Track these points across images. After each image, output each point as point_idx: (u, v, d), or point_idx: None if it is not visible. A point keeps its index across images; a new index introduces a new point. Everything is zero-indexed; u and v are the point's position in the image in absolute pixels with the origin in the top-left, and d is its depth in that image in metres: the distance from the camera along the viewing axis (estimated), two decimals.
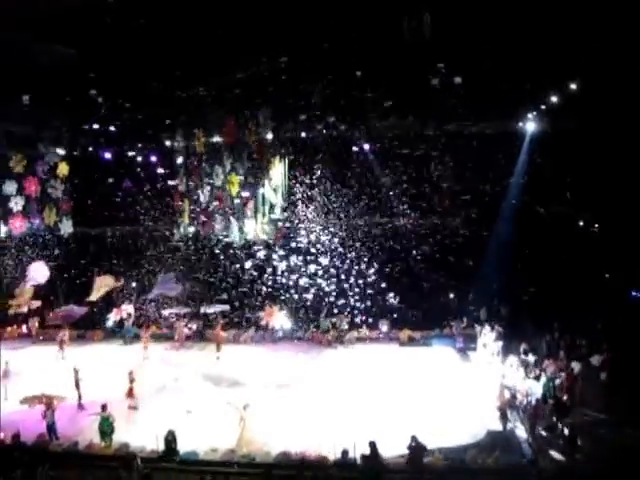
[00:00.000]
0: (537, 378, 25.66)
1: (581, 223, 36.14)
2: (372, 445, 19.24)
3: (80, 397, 26.93)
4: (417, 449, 19.97)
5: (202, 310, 37.46)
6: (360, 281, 38.05)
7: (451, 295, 37.64)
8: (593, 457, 20.60)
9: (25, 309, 37.20)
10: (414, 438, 20.02)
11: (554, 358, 27.49)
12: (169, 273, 38.08)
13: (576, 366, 26.45)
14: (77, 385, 27.08)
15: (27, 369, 31.48)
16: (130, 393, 26.65)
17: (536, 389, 24.56)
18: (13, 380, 28.78)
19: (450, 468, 20.09)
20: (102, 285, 36.78)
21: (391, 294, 37.55)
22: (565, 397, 24.04)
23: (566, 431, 21.51)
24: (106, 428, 22.57)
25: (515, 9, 22.08)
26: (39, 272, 35.98)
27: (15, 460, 20.07)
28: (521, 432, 22.74)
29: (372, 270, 38.03)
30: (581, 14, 22.21)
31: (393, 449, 20.54)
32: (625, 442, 21.42)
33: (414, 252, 39.00)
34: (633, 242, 31.14)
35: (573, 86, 27.80)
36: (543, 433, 22.40)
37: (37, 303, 37.98)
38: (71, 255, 42.89)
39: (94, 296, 36.29)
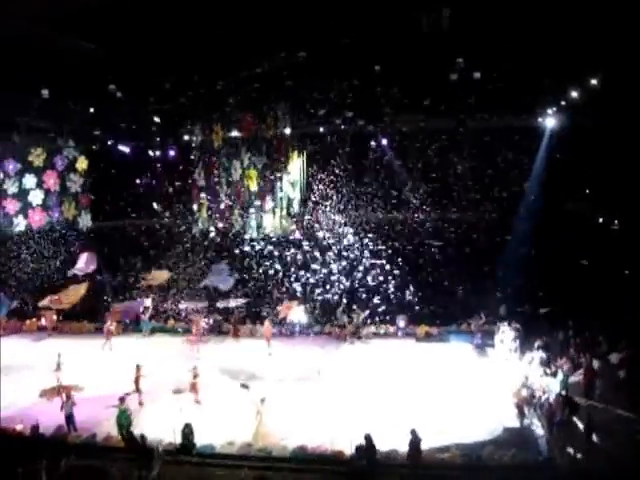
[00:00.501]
0: (554, 374, 25.54)
1: (601, 220, 35.86)
2: (367, 438, 19.26)
3: (140, 393, 26.51)
4: (417, 443, 19.93)
5: (219, 304, 37.47)
6: (377, 276, 37.99)
7: (469, 291, 37.42)
8: (610, 454, 20.48)
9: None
10: (414, 432, 19.98)
11: (569, 355, 27.35)
12: (221, 263, 37.93)
13: (595, 364, 26.36)
14: (137, 382, 26.65)
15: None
16: (194, 387, 26.47)
17: (553, 386, 24.43)
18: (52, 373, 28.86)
19: (466, 464, 20.07)
20: (156, 278, 37.13)
21: (409, 289, 37.43)
22: (580, 394, 23.93)
23: (581, 426, 21.42)
24: (123, 421, 22.68)
25: (535, 3, 21.93)
26: (88, 262, 36.40)
27: (37, 451, 20.22)
28: (538, 429, 22.64)
29: (389, 265, 37.93)
30: (602, 8, 22.03)
31: (408, 445, 20.50)
32: None
33: (432, 248, 38.90)
34: None
35: (594, 81, 27.58)
36: (559, 430, 22.26)
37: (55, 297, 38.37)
38: (89, 248, 43.11)
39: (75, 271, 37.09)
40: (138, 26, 22.80)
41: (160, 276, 37.91)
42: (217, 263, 37.75)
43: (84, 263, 36.76)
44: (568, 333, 30.74)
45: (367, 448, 19.22)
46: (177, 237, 42.12)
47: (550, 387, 24.38)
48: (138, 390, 26.43)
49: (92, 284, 37.63)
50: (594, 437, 21.04)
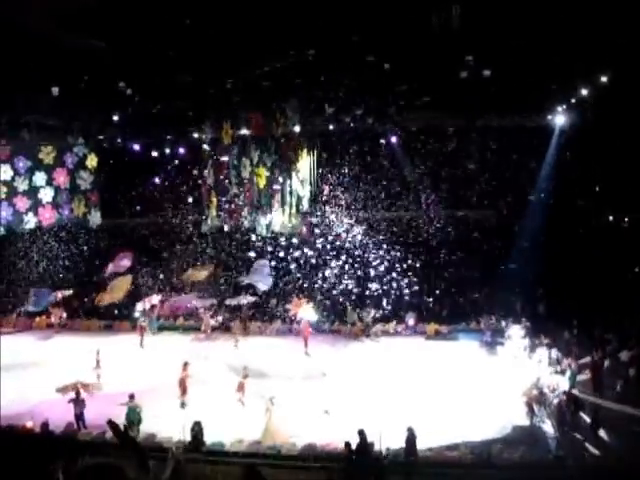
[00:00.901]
0: (563, 372, 25.52)
1: (611, 218, 35.81)
2: (361, 433, 19.30)
3: (185, 393, 26.39)
4: (413, 441, 19.93)
5: (228, 302, 37.54)
6: (387, 274, 37.98)
7: (480, 289, 37.38)
8: (619, 452, 20.48)
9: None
10: (410, 429, 19.98)
11: (576, 353, 27.31)
12: (263, 260, 37.89)
13: (605, 362, 26.44)
14: (183, 381, 26.58)
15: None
16: (241, 387, 26.36)
17: (563, 384, 24.42)
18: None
19: (476, 462, 20.07)
20: (196, 274, 37.43)
21: (418, 287, 37.42)
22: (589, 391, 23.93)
23: (588, 421, 21.47)
24: (133, 418, 22.76)
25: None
26: (124, 261, 36.66)
27: (52, 451, 20.30)
28: (548, 427, 22.61)
29: (399, 264, 37.93)
30: (611, 6, 21.96)
31: (420, 442, 20.52)
32: None
33: (442, 246, 38.92)
34: None
35: (603, 79, 27.47)
36: (567, 428, 22.26)
37: (67, 292, 38.68)
38: (99, 246, 43.35)
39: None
40: (148, 23, 22.84)
41: (200, 273, 38.03)
42: (259, 260, 37.69)
43: (120, 261, 37.00)
44: (573, 331, 30.73)
45: (360, 444, 19.24)
46: (186, 235, 42.27)
47: (559, 385, 24.36)
48: (184, 390, 26.31)
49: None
50: (603, 434, 21.09)
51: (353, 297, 37.87)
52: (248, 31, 24.08)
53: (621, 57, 25.09)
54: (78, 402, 23.70)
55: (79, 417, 23.66)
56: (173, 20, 23.06)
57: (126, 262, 37.69)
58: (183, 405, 25.89)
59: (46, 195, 37.05)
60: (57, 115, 34.54)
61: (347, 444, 19.18)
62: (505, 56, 26.16)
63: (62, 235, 43.13)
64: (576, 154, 34.73)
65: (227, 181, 36.65)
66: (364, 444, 19.28)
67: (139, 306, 37.72)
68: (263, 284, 36.09)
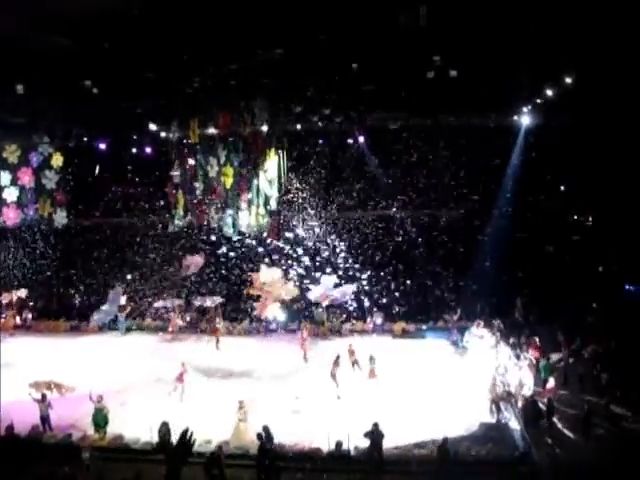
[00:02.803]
0: (528, 369, 25.77)
1: (575, 217, 36.26)
2: (265, 429, 20.37)
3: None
4: (377, 436, 20.07)
5: (196, 302, 37.36)
6: (355, 273, 38.07)
7: (445, 288, 37.63)
8: (584, 447, 20.83)
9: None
10: (375, 425, 20.14)
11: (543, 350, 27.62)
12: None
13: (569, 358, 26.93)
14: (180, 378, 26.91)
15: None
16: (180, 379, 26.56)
17: (527, 380, 24.65)
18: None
19: (443, 460, 20.22)
20: (192, 264, 36.93)
21: (386, 286, 37.55)
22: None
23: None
24: (100, 419, 22.61)
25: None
26: (195, 263, 36.24)
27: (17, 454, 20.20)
28: (514, 424, 22.84)
29: (367, 262, 38.05)
30: (576, 7, 22.22)
31: (387, 441, 20.65)
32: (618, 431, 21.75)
33: (409, 245, 39.10)
34: (627, 236, 31.28)
35: (568, 80, 27.78)
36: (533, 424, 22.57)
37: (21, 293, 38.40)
38: (64, 246, 42.88)
39: (183, 273, 37.32)
40: (114, 21, 22.67)
41: (196, 261, 37.87)
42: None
43: (191, 264, 36.61)
44: (538, 328, 31.13)
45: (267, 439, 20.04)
46: (153, 234, 41.98)
47: (524, 382, 24.60)
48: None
49: None
50: (566, 430, 21.49)
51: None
52: (215, 30, 23.99)
53: (585, 58, 25.41)
54: (44, 404, 23.45)
55: (45, 419, 23.41)
56: (139, 18, 22.90)
57: (196, 264, 37.12)
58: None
59: (10, 195, 36.50)
60: (21, 114, 34.09)
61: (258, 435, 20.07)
62: (472, 56, 26.35)
63: (27, 235, 42.57)
64: (541, 154, 35.10)
65: (194, 180, 36.42)
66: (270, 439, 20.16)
67: (105, 307, 37.46)
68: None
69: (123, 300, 37.86)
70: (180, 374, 26.54)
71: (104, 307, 36.39)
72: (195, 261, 37.37)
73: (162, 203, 39.91)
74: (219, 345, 33.87)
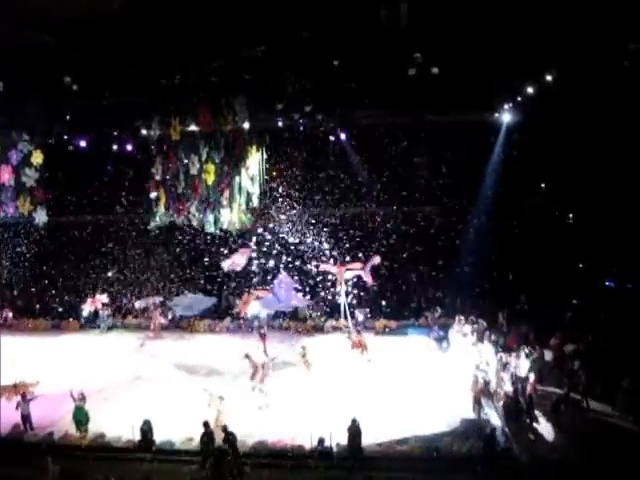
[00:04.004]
0: (504, 366, 25.91)
1: (556, 214, 36.47)
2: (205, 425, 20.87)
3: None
4: (355, 432, 20.17)
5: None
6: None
7: (427, 285, 37.74)
8: (565, 443, 21.01)
9: None
10: (354, 421, 20.25)
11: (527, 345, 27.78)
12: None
13: (548, 354, 27.05)
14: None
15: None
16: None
17: (505, 375, 24.83)
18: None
19: (425, 455, 20.35)
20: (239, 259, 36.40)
21: (368, 284, 37.55)
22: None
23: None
24: (81, 417, 22.52)
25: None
26: (241, 259, 35.78)
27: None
28: (495, 420, 22.96)
29: (349, 259, 38.03)
30: (556, 5, 22.38)
31: (369, 437, 20.74)
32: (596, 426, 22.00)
33: (390, 242, 39.16)
34: (607, 232, 31.54)
35: (549, 77, 27.95)
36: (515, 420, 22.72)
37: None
38: (45, 244, 42.60)
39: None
40: (95, 18, 22.58)
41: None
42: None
43: (240, 258, 36.06)
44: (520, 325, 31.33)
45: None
46: (134, 232, 41.81)
47: (505, 378, 24.76)
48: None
49: None
50: (549, 426, 21.63)
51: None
52: (197, 26, 23.96)
53: (566, 55, 25.60)
54: (23, 404, 23.33)
55: (26, 418, 23.29)
56: (120, 14, 22.82)
57: (244, 258, 36.61)
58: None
59: None
60: (1, 111, 33.81)
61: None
62: (453, 53, 26.46)
63: (6, 233, 42.24)
64: (522, 151, 35.29)
65: (175, 178, 36.25)
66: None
67: (87, 305, 37.26)
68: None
69: (105, 299, 37.70)
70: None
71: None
72: (239, 259, 36.68)
73: (143, 201, 39.64)
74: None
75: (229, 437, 20.35)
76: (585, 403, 23.85)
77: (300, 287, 35.67)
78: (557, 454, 20.61)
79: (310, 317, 36.57)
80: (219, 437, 21.19)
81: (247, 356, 27.63)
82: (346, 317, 34.24)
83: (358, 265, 34.76)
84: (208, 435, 20.77)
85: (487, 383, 24.83)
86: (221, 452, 19.66)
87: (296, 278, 35.37)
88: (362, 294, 37.25)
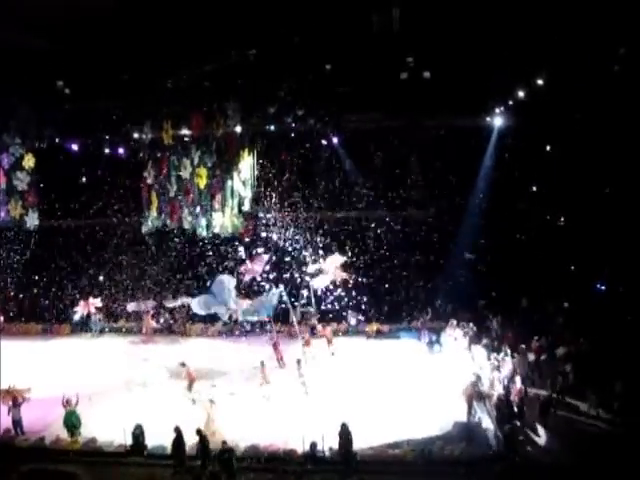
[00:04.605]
0: (496, 369, 25.96)
1: (548, 217, 36.54)
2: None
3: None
4: (345, 436, 20.17)
5: (167, 304, 37.03)
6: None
7: (419, 288, 37.75)
8: (557, 446, 21.04)
9: None
10: (344, 426, 20.24)
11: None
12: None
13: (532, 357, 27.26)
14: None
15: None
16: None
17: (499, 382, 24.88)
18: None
19: (417, 459, 20.36)
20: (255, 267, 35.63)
21: (360, 287, 37.53)
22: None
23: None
24: (74, 422, 22.45)
25: (485, 3, 22.30)
26: (258, 267, 35.29)
27: None
28: (487, 423, 23.00)
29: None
30: (547, 10, 22.48)
31: (362, 441, 20.74)
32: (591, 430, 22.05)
33: (383, 245, 39.18)
34: (598, 235, 31.61)
35: (540, 81, 28.07)
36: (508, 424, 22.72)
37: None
38: (36, 248, 42.46)
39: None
40: (87, 22, 22.57)
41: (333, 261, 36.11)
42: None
43: (255, 265, 35.61)
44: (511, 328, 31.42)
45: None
46: (126, 236, 41.72)
47: (496, 382, 24.82)
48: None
49: None
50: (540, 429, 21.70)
51: (296, 297, 37.69)
52: (189, 30, 23.98)
53: (557, 60, 25.71)
54: (16, 408, 23.27)
55: (17, 423, 23.22)
56: (113, 18, 22.82)
57: (260, 265, 36.18)
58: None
59: None
60: None
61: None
62: (444, 58, 26.55)
63: None
64: (513, 155, 35.39)
65: (167, 182, 36.22)
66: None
67: (79, 309, 37.10)
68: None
69: (97, 302, 37.58)
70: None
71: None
72: (255, 267, 36.22)
73: (135, 204, 39.56)
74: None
75: (226, 453, 19.95)
76: (577, 406, 23.90)
77: (239, 288, 34.46)
78: (549, 457, 20.64)
79: (302, 321, 36.47)
80: (212, 443, 21.24)
81: (262, 364, 27.58)
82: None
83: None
84: (191, 441, 20.80)
85: (479, 386, 24.85)
86: (213, 476, 19.35)
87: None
88: (357, 297, 37.23)
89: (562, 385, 24.89)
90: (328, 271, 34.82)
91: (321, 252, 37.68)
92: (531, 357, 27.73)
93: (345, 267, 35.45)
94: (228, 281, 31.76)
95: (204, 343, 35.14)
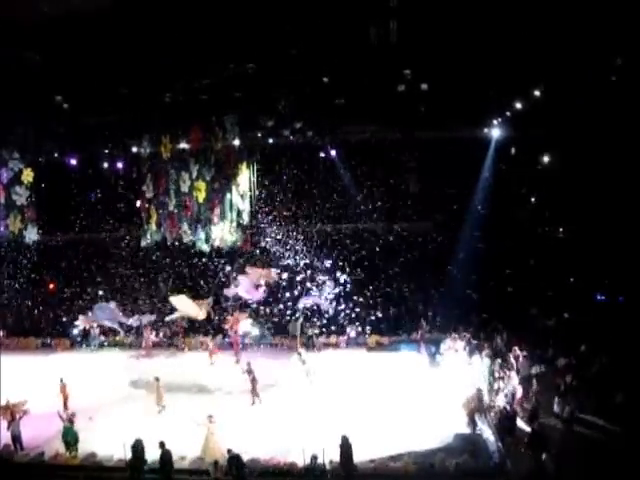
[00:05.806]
0: (497, 381, 25.88)
1: (546, 228, 36.57)
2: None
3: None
4: (347, 449, 20.08)
5: (168, 318, 36.95)
6: (328, 287, 37.95)
7: (419, 301, 37.72)
8: (559, 458, 20.90)
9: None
10: (344, 438, 20.14)
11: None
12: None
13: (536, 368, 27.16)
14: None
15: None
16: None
17: (501, 395, 24.82)
18: None
19: (419, 472, 20.26)
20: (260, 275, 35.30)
21: (359, 299, 37.51)
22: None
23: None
24: (70, 438, 22.34)
25: (482, 15, 22.36)
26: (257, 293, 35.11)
27: None
28: (489, 435, 22.90)
29: (340, 275, 37.96)
30: (543, 22, 22.55)
31: (363, 454, 20.64)
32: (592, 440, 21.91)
33: (382, 258, 39.19)
34: (598, 246, 31.61)
35: (537, 93, 28.15)
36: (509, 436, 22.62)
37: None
38: (35, 262, 42.45)
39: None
40: (85, 36, 22.62)
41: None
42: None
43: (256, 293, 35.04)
44: (501, 336, 31.35)
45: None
46: (126, 250, 41.75)
47: (497, 394, 24.76)
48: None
49: None
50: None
51: (295, 310, 37.64)
52: (187, 44, 24.03)
53: (554, 71, 25.78)
54: (14, 424, 23.17)
55: (16, 439, 23.10)
56: (110, 33, 22.87)
57: (259, 293, 35.23)
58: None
59: None
60: None
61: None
62: (442, 70, 26.61)
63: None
64: (512, 166, 35.45)
65: (166, 195, 36.25)
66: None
67: (79, 323, 36.99)
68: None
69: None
70: None
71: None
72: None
73: (134, 218, 39.58)
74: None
75: (234, 460, 20.00)
76: (571, 413, 23.78)
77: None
78: (550, 469, 20.53)
79: (302, 334, 36.40)
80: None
81: (249, 370, 27.64)
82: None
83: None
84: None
85: (480, 398, 24.76)
86: None
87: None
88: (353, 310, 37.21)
89: (565, 397, 24.80)
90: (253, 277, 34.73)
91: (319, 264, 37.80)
92: (534, 370, 27.69)
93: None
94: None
95: (203, 357, 34.99)
